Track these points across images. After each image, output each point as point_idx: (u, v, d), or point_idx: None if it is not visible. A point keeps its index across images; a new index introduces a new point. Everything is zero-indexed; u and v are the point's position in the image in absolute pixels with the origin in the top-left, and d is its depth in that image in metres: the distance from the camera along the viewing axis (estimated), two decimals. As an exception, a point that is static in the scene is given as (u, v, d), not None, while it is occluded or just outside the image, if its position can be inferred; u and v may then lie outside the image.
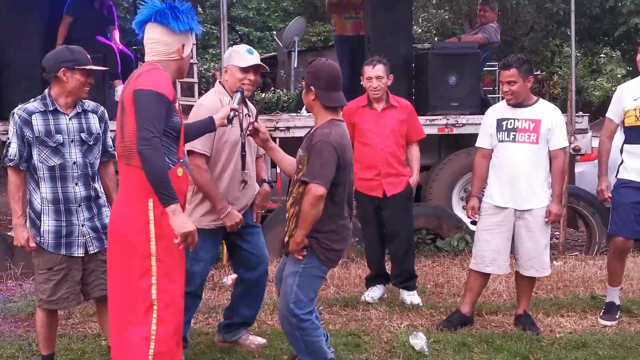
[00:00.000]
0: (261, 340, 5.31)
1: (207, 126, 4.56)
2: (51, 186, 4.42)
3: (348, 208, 4.50)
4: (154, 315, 3.84)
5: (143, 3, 3.99)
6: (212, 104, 4.92)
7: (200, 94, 9.10)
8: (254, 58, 4.97)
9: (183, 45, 4.00)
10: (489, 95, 11.20)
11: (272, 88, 16.08)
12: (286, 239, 4.44)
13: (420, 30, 20.28)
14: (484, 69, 11.17)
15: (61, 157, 4.43)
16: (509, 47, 16.32)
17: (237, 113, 4.65)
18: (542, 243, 5.63)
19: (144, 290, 3.85)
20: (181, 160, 3.99)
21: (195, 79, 9.46)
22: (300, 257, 4.36)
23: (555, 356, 5.20)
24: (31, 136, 4.41)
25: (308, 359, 4.48)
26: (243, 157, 4.95)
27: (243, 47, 5.06)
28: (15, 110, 4.49)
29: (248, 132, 4.65)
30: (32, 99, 4.55)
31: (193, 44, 9.13)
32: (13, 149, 4.44)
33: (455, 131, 8.91)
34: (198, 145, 4.78)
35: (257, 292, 5.27)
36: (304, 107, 12.36)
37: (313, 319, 4.44)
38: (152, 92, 3.77)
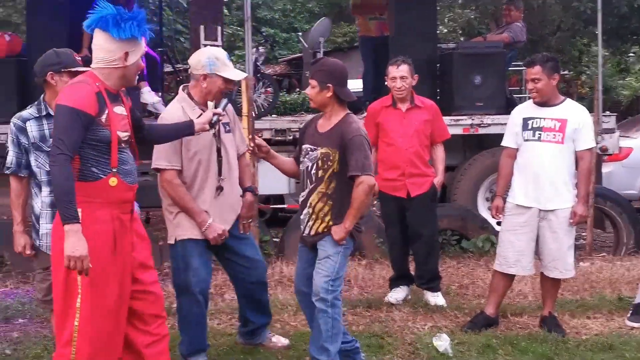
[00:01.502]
0: (284, 341, 5.29)
1: (185, 129, 4.49)
2: (49, 190, 4.41)
3: None
4: (75, 323, 3.85)
5: (97, 6, 3.91)
6: (175, 115, 4.74)
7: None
8: (240, 72, 4.93)
9: (127, 53, 3.91)
10: (515, 95, 11.12)
11: (297, 89, 16.09)
12: (315, 231, 4.59)
13: (446, 30, 20.18)
14: (510, 68, 11.08)
15: None
16: (535, 47, 16.20)
17: (220, 118, 4.59)
18: (566, 244, 5.57)
19: (67, 297, 3.86)
20: (115, 169, 3.91)
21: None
22: (344, 242, 4.54)
23: (580, 358, 5.15)
24: (27, 142, 4.44)
25: (329, 342, 4.50)
26: (219, 162, 4.84)
27: (224, 54, 4.90)
28: (12, 118, 4.53)
29: (249, 150, 4.73)
30: (29, 106, 4.57)
31: (219, 46, 9.32)
32: (10, 157, 4.49)
33: (481, 131, 8.86)
34: (162, 162, 4.70)
35: (260, 298, 5.22)
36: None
37: (341, 301, 4.63)
38: (66, 107, 3.75)
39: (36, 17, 9.06)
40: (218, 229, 4.79)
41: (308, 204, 4.60)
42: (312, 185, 4.57)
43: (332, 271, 4.52)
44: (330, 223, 4.53)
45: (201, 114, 4.68)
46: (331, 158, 4.50)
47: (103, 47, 3.91)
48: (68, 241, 3.65)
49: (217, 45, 9.46)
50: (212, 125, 4.51)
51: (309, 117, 8.94)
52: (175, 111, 4.79)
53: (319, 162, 4.53)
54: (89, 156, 3.83)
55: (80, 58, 4.61)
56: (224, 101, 4.75)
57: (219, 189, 4.84)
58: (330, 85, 4.51)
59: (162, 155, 4.69)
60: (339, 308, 4.55)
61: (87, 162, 3.84)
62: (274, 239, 8.55)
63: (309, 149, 4.62)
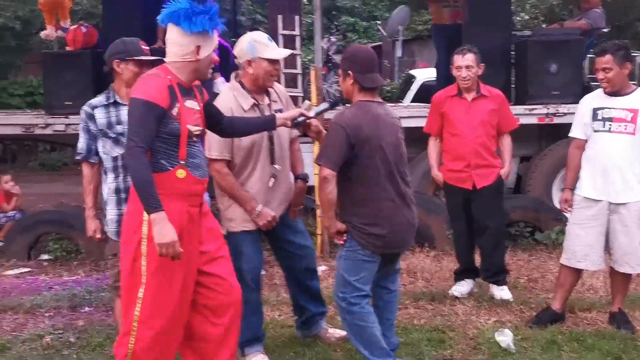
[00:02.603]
0: (341, 333, 5.22)
1: (266, 124, 4.50)
2: (114, 176, 4.55)
3: (394, 189, 4.38)
4: (136, 313, 3.90)
5: (171, 0, 3.95)
6: (226, 105, 4.70)
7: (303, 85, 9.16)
8: (283, 50, 4.82)
9: (198, 47, 3.93)
10: (593, 84, 10.80)
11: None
12: None
13: (527, 17, 19.79)
14: (589, 56, 10.78)
15: (122, 148, 4.49)
16: (620, 33, 15.73)
17: (306, 121, 4.51)
18: (638, 238, 5.36)
19: (131, 287, 3.92)
20: (183, 162, 3.94)
21: (299, 70, 9.48)
22: (341, 242, 4.36)
23: (649, 357, 4.97)
24: (95, 129, 4.57)
25: (361, 346, 4.42)
26: (272, 149, 4.81)
27: (264, 36, 4.83)
28: (83, 105, 4.63)
29: (299, 128, 4.57)
30: (99, 94, 4.66)
31: (297, 35, 9.32)
32: (81, 143, 4.64)
33: (556, 121, 8.66)
34: (214, 152, 4.69)
35: (310, 284, 5.20)
36: (406, 96, 12.33)
37: (363, 304, 4.39)
38: (140, 100, 3.80)
39: (112, 8, 9.23)
40: (268, 216, 4.78)
41: None
42: None
43: (338, 277, 4.44)
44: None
45: (254, 103, 4.73)
46: None
47: (175, 41, 3.95)
48: (155, 229, 3.73)
49: (295, 35, 9.50)
50: (295, 124, 4.49)
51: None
52: (227, 100, 4.78)
53: None
54: (159, 148, 3.89)
55: (148, 48, 4.66)
56: (324, 105, 4.68)
57: (273, 177, 4.84)
58: (350, 72, 4.37)
59: (214, 145, 4.69)
60: (358, 314, 4.38)
61: (157, 154, 3.89)
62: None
63: None
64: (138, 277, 3.90)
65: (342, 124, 4.24)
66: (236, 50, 4.86)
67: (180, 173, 3.92)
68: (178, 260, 3.86)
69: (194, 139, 4.02)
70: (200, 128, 4.07)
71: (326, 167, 4.22)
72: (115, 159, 4.55)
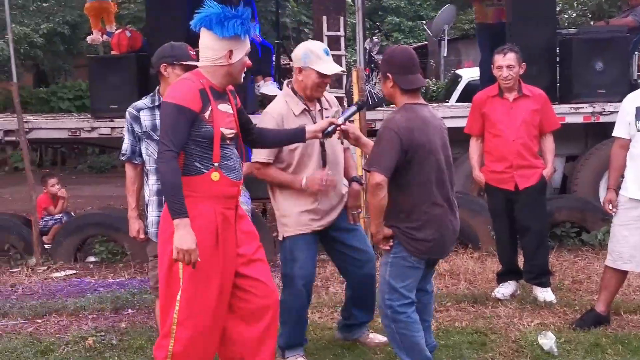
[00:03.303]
0: (382, 339, 5.18)
1: (296, 137, 4.50)
2: (156, 178, 4.58)
3: (442, 194, 4.31)
4: (175, 316, 3.93)
5: (202, 6, 3.98)
6: (277, 110, 4.74)
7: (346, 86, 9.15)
8: (335, 65, 4.77)
9: (231, 51, 3.94)
10: (641, 82, 10.62)
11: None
12: None
13: (575, 15, 19.52)
14: (636, 53, 10.61)
15: None
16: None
17: (337, 128, 4.46)
18: (684, 239, 5.26)
19: (169, 290, 3.96)
20: (217, 164, 3.96)
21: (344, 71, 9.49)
22: (387, 248, 4.30)
23: (697, 361, 4.87)
24: (139, 131, 4.62)
25: (403, 354, 4.37)
26: (323, 155, 4.80)
27: (320, 47, 4.80)
28: (128, 107, 4.68)
29: (338, 137, 4.54)
30: (145, 96, 4.70)
31: (341, 36, 9.32)
32: (125, 144, 4.70)
33: (602, 119, 8.55)
34: (260, 156, 4.74)
35: (366, 294, 5.13)
36: (452, 96, 12.25)
37: (409, 313, 4.32)
38: (171, 105, 3.85)
39: (155, 13, 9.31)
40: (316, 179, 4.70)
41: None
42: None
43: (384, 283, 4.35)
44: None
45: (305, 108, 4.76)
46: None
47: (208, 45, 3.97)
48: (177, 234, 3.76)
49: (340, 36, 9.49)
50: (325, 134, 4.46)
51: (434, 106, 8.87)
52: (279, 106, 4.81)
53: None
54: (193, 151, 3.92)
55: (195, 52, 4.69)
56: (352, 109, 4.65)
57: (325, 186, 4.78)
58: (389, 74, 4.30)
59: (261, 150, 4.73)
60: (403, 322, 4.31)
61: (190, 157, 3.92)
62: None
63: None
64: (176, 280, 3.93)
65: (394, 129, 4.15)
66: (293, 55, 4.90)
67: (215, 175, 3.94)
68: (214, 262, 3.90)
69: (228, 142, 4.03)
70: (234, 131, 4.09)
71: (379, 172, 4.12)
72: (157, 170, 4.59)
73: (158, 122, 4.56)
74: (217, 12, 3.90)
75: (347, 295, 5.26)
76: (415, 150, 4.18)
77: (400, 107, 4.31)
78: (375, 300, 5.14)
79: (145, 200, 4.71)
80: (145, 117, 4.61)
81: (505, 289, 6.27)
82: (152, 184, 4.64)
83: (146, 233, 4.72)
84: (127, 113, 4.68)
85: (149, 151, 4.62)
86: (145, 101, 4.68)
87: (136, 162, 4.70)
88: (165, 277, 3.99)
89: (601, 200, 8.31)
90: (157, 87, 4.70)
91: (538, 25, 8.68)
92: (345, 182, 5.03)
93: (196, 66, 4.49)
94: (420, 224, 4.25)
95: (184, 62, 4.55)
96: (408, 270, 4.32)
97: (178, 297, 3.92)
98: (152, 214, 4.66)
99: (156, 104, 4.62)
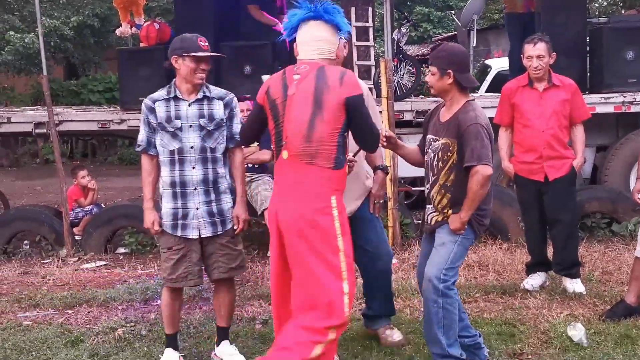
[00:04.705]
0: (398, 337, 5.11)
1: None
2: (169, 170, 4.60)
3: None
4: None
5: (296, 3, 4.06)
6: None
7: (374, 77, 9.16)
8: None
9: (344, 45, 4.15)
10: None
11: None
12: (435, 221, 4.48)
13: (605, 4, 19.33)
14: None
15: (179, 142, 4.57)
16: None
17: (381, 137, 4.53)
18: None
19: (337, 283, 4.01)
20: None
21: (372, 62, 9.47)
22: (463, 232, 4.39)
23: None
24: (155, 122, 4.61)
25: (440, 332, 4.37)
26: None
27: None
28: (144, 99, 4.70)
29: (384, 145, 4.54)
30: (161, 88, 4.73)
31: (370, 27, 9.32)
32: (141, 135, 4.69)
33: (633, 109, 8.53)
34: None
35: (380, 287, 5.10)
36: (482, 86, 12.18)
37: (456, 290, 4.44)
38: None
39: (183, 5, 9.37)
40: None
41: (430, 199, 4.49)
42: (434, 178, 4.45)
43: (446, 259, 4.37)
44: (450, 214, 4.39)
45: None
46: (450, 149, 4.34)
47: (326, 38, 4.14)
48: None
49: (368, 27, 9.49)
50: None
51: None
52: None
53: (440, 153, 4.39)
54: (342, 144, 4.06)
55: (207, 44, 4.69)
56: None
57: (349, 168, 4.78)
58: (450, 71, 4.34)
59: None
60: (452, 298, 4.36)
61: (338, 150, 4.05)
62: (417, 221, 8.47)
63: (431, 140, 4.49)
64: (339, 273, 4.02)
65: (484, 125, 4.32)
66: None
67: (345, 169, 4.15)
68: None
69: None
70: None
71: (489, 165, 4.30)
72: (172, 152, 4.58)
73: (172, 113, 4.58)
74: (333, 6, 4.06)
75: (364, 287, 5.22)
76: (491, 143, 4.39)
77: (469, 105, 4.40)
78: (392, 295, 5.21)
79: (160, 192, 4.71)
80: (160, 109, 4.60)
81: (534, 280, 6.24)
82: (165, 175, 4.64)
83: (160, 225, 4.71)
84: (143, 104, 4.68)
85: (163, 142, 4.61)
86: (161, 93, 4.67)
87: (152, 153, 4.67)
88: (328, 271, 4.02)
89: (631, 190, 8.31)
90: (174, 80, 4.69)
91: (568, 15, 8.64)
92: (371, 172, 5.02)
93: (206, 57, 4.54)
94: (487, 211, 4.50)
95: (193, 54, 4.55)
96: (466, 252, 4.52)
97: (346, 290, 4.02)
98: (166, 205, 4.67)
99: (171, 95, 4.61)
